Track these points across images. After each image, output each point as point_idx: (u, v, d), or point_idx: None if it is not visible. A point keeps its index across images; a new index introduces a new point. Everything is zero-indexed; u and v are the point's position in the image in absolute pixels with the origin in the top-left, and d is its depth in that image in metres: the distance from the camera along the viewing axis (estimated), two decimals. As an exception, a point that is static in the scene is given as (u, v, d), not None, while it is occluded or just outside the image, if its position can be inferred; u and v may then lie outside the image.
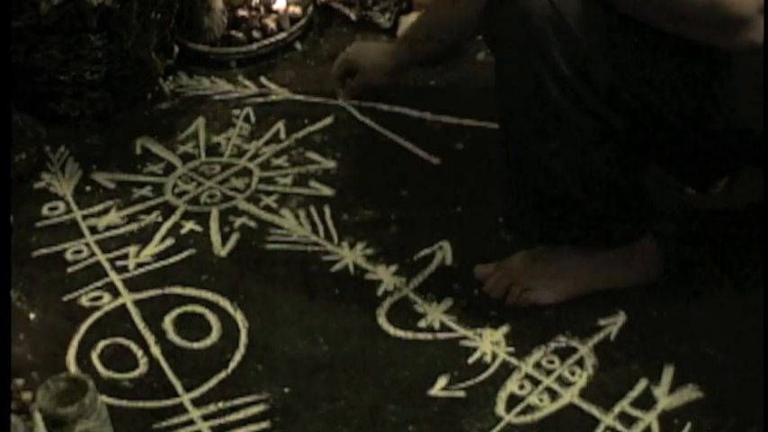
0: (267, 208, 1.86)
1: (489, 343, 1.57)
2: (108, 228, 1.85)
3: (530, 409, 1.47)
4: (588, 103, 1.39)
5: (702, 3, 1.25)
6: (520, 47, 1.39)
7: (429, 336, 1.59)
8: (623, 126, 1.42)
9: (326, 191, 1.88)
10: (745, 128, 1.39)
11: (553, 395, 1.49)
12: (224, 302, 1.68)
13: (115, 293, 1.72)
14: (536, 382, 1.51)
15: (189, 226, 1.84)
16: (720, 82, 1.37)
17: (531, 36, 1.36)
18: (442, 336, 1.59)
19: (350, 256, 1.75)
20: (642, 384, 1.48)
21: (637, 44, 1.36)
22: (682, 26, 1.31)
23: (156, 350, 1.61)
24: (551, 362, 1.53)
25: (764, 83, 1.33)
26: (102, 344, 1.63)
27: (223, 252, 1.78)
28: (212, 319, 1.66)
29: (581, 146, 1.43)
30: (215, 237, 1.81)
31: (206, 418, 1.50)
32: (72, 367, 1.59)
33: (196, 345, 1.62)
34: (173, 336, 1.63)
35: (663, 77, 1.38)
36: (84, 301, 1.71)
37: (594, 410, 1.46)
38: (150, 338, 1.63)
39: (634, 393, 1.47)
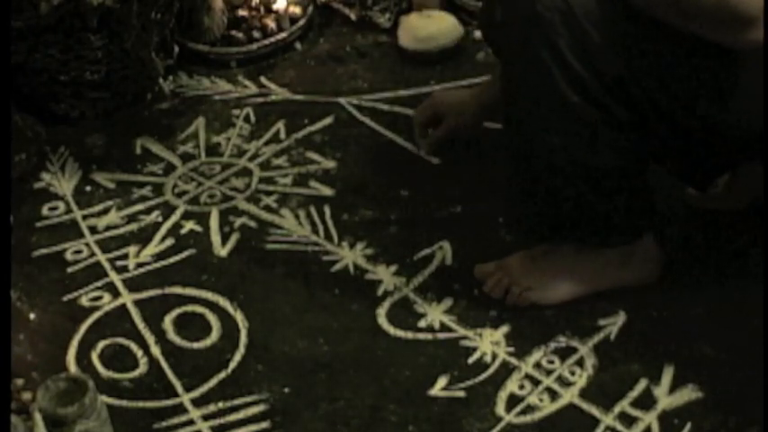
0: (267, 208, 1.86)
1: (489, 343, 1.57)
2: (108, 228, 1.85)
3: (530, 409, 1.47)
4: (594, 94, 1.39)
5: (712, 2, 1.25)
6: (527, 36, 1.38)
7: (429, 336, 1.59)
8: (628, 119, 1.42)
9: (326, 191, 1.88)
10: (748, 125, 1.40)
11: (553, 395, 1.49)
12: (224, 302, 1.68)
13: (115, 293, 1.72)
14: (536, 382, 1.51)
15: (189, 226, 1.84)
16: (726, 78, 1.37)
17: (538, 25, 1.36)
18: (442, 336, 1.59)
19: (350, 256, 1.75)
20: (642, 384, 1.48)
21: (644, 37, 1.36)
22: (690, 23, 1.31)
23: (156, 350, 1.61)
24: (551, 362, 1.53)
25: (765, 82, 1.33)
26: (102, 344, 1.63)
27: (223, 252, 1.78)
28: (212, 319, 1.66)
29: (585, 139, 1.43)
30: (215, 237, 1.81)
31: (206, 418, 1.50)
32: (72, 367, 1.59)
33: (196, 345, 1.62)
34: (173, 336, 1.63)
35: (669, 72, 1.38)
36: (84, 301, 1.71)
37: (594, 410, 1.46)
38: (150, 338, 1.63)
39: (634, 393, 1.47)
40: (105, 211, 1.89)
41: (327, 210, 1.84)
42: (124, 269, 1.76)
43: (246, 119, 2.09)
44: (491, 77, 1.85)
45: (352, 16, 2.31)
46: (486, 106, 1.84)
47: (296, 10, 2.29)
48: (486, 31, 1.66)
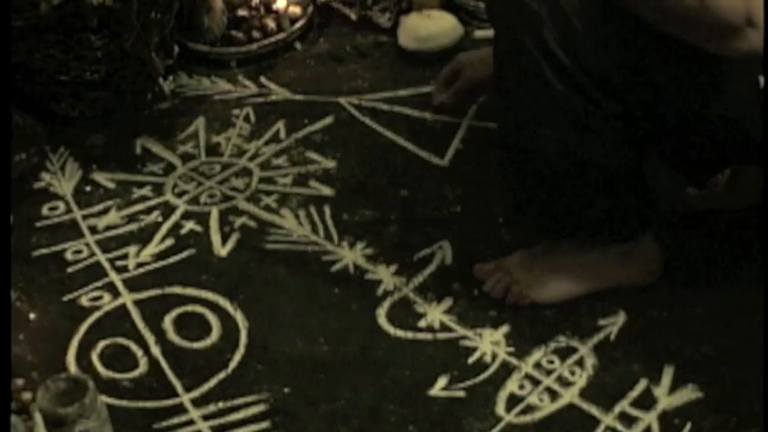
0: (267, 208, 1.86)
1: (489, 343, 1.57)
2: (108, 228, 1.85)
3: (530, 409, 1.47)
4: (583, 87, 1.40)
5: (694, 8, 1.26)
6: (515, 30, 1.39)
7: (429, 336, 1.59)
8: (619, 111, 1.42)
9: (326, 191, 1.88)
10: (739, 125, 1.40)
11: (553, 395, 1.49)
12: (224, 302, 1.68)
13: (115, 293, 1.72)
14: (536, 382, 1.51)
15: (189, 226, 1.84)
16: (710, 76, 1.38)
17: (525, 19, 1.37)
18: (442, 336, 1.59)
19: (350, 256, 1.75)
20: (642, 384, 1.48)
21: (631, 34, 1.36)
22: (674, 27, 1.32)
23: (156, 350, 1.61)
24: (551, 362, 1.53)
25: (765, 83, 1.34)
26: (102, 344, 1.63)
27: (223, 252, 1.78)
28: (212, 319, 1.66)
29: (576, 131, 1.44)
30: (215, 237, 1.81)
31: (206, 418, 1.51)
32: (72, 367, 1.59)
33: (196, 345, 1.62)
34: (173, 336, 1.63)
35: (654, 67, 1.38)
36: (84, 301, 1.71)
37: (594, 410, 1.46)
38: (150, 338, 1.63)
39: (634, 393, 1.47)
40: (105, 211, 1.89)
41: (327, 210, 1.84)
42: (124, 269, 1.76)
43: (246, 119, 2.09)
44: None
45: (353, 16, 2.31)
46: None
47: (296, 10, 2.29)
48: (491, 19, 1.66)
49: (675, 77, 1.39)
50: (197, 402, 1.53)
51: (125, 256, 1.79)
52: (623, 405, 1.46)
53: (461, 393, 1.50)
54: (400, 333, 1.60)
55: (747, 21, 1.25)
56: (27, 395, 1.50)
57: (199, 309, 1.68)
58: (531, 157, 1.49)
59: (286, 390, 1.54)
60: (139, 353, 1.61)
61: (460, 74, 1.92)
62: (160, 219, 1.86)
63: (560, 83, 1.40)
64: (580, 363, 1.53)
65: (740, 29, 1.26)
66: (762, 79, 1.36)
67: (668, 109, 1.42)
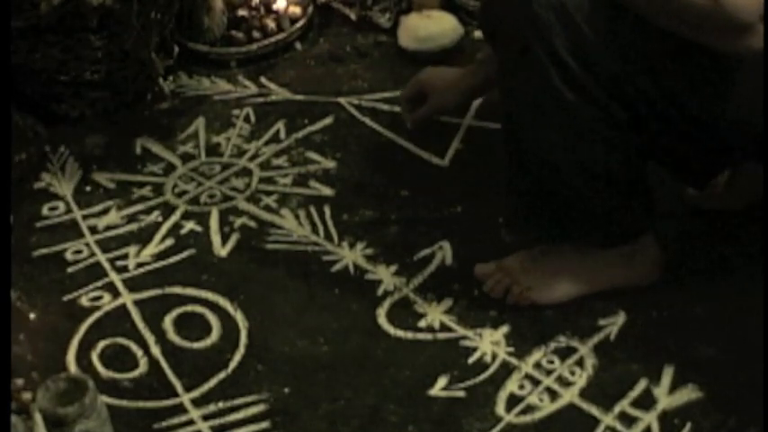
0: (267, 208, 1.86)
1: (489, 343, 1.57)
2: (108, 228, 1.85)
3: (530, 409, 1.47)
4: (590, 93, 1.39)
5: (706, 7, 1.25)
6: (522, 35, 1.39)
7: (429, 336, 1.59)
8: (625, 118, 1.42)
9: (326, 191, 1.88)
10: (745, 124, 1.40)
11: (553, 395, 1.49)
12: (224, 302, 1.68)
13: (115, 293, 1.72)
14: (536, 382, 1.51)
15: (189, 226, 1.84)
16: (720, 77, 1.37)
17: (533, 24, 1.37)
18: (441, 336, 1.59)
19: (350, 256, 1.75)
20: (642, 384, 1.48)
21: (637, 36, 1.36)
22: (684, 28, 1.31)
23: (156, 350, 1.61)
24: (551, 362, 1.53)
25: (765, 83, 1.34)
26: (102, 344, 1.63)
27: (223, 252, 1.78)
28: (212, 319, 1.66)
29: (582, 137, 1.44)
30: (215, 237, 1.81)
31: (206, 417, 1.51)
32: (72, 367, 1.59)
33: (196, 345, 1.62)
34: (173, 336, 1.64)
35: (664, 71, 1.38)
36: (84, 301, 1.71)
37: (594, 410, 1.46)
38: (150, 338, 1.63)
39: (634, 393, 1.47)
40: (105, 211, 1.89)
41: (327, 210, 1.84)
42: (124, 269, 1.76)
43: (246, 119, 2.09)
44: (477, 60, 1.88)
45: (352, 16, 2.31)
46: (471, 88, 1.87)
47: (296, 10, 2.29)
48: (484, 24, 1.66)
49: (686, 81, 1.38)
50: (197, 402, 1.53)
51: (125, 256, 1.79)
52: (623, 405, 1.46)
53: (461, 393, 1.50)
54: (400, 333, 1.60)
55: (761, 17, 1.25)
56: (27, 395, 1.50)
57: (199, 309, 1.68)
58: (535, 161, 1.48)
59: (286, 390, 1.54)
60: (139, 353, 1.61)
61: (427, 98, 1.91)
62: (160, 219, 1.86)
63: (569, 90, 1.39)
64: (580, 363, 1.53)
65: (754, 26, 1.26)
66: None
67: (677, 113, 1.41)
